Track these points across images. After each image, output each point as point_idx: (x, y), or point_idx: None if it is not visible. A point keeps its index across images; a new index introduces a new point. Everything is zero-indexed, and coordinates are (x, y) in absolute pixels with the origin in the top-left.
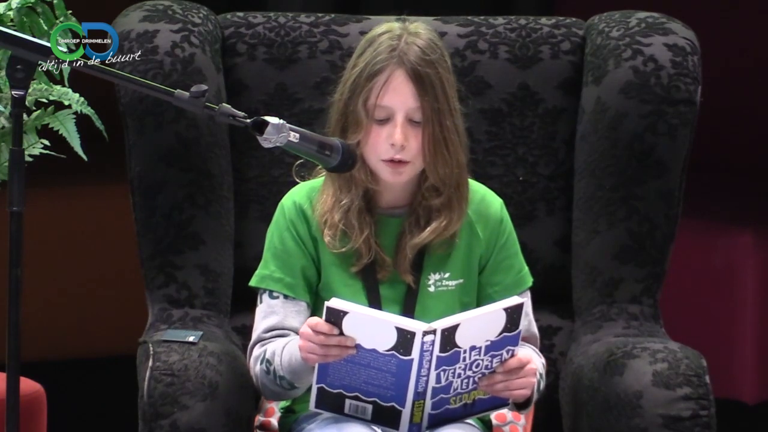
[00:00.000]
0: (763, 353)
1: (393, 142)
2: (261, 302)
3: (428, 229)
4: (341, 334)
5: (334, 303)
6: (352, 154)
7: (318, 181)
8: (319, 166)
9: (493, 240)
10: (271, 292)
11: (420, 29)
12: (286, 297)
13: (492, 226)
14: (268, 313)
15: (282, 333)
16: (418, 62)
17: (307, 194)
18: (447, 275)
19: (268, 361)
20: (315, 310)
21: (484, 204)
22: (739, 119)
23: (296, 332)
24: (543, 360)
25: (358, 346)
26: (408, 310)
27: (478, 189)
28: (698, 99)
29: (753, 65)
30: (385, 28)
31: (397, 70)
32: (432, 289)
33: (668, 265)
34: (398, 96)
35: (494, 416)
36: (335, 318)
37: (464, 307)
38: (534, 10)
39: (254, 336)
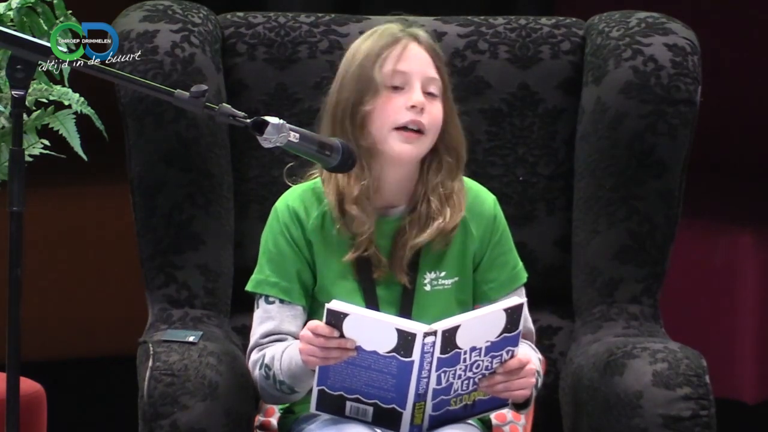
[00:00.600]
0: (763, 353)
1: (413, 103)
2: (257, 307)
3: (428, 230)
4: (342, 336)
5: (335, 305)
6: (352, 154)
7: (310, 184)
8: (311, 170)
9: (487, 237)
10: (267, 296)
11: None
12: (282, 302)
13: (485, 223)
14: (264, 319)
15: (279, 338)
16: (429, 41)
17: (300, 197)
18: (443, 274)
19: (267, 366)
20: (311, 314)
21: (477, 201)
22: (739, 119)
23: (293, 337)
24: (540, 355)
25: (358, 348)
26: (405, 311)
27: (471, 186)
28: (698, 99)
29: (753, 66)
30: (383, 24)
31: (411, 42)
32: (428, 288)
33: (668, 265)
34: (416, 63)
35: (494, 416)
36: (335, 320)
37: (461, 305)
38: (534, 10)
39: (251, 341)
